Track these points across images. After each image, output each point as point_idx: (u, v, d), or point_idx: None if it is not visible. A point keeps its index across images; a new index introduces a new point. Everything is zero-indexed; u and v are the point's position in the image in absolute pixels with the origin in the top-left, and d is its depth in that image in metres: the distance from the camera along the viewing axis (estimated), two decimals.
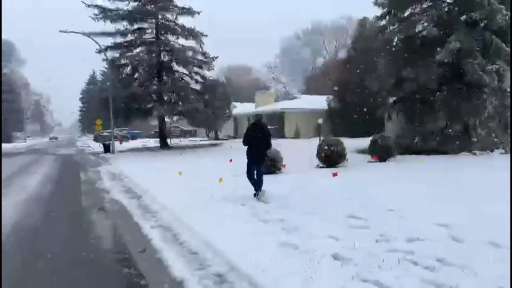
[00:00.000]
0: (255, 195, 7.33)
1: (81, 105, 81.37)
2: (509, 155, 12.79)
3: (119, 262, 4.48)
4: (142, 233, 5.60)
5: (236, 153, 16.06)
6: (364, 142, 19.80)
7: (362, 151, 16.56)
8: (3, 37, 55.46)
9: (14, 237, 5.70)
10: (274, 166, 11.08)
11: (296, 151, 16.44)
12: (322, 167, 12.35)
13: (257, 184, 7.48)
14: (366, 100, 29.33)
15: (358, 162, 13.04)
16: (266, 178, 7.86)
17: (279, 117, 34.18)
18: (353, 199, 6.75)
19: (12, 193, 9.48)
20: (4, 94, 52.01)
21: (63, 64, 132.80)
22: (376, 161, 13.32)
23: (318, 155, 12.45)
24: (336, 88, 32.77)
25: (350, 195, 7.13)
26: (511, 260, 3.56)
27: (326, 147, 12.09)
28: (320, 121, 24.87)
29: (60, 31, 22.20)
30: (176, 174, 11.29)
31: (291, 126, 32.75)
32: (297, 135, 31.63)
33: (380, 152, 13.35)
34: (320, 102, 34.23)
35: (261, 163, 7.76)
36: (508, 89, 14.84)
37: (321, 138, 23.83)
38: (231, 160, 13.30)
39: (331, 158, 12.13)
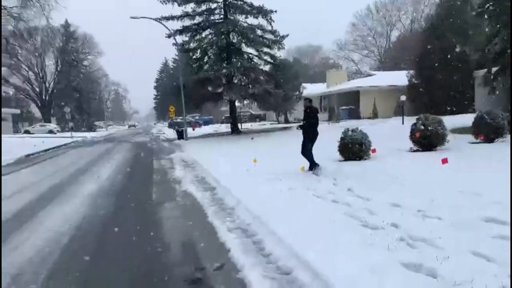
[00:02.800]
0: (311, 169, 8.14)
1: (156, 93, 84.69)
2: None
3: (190, 285, 3.53)
4: (218, 239, 4.64)
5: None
6: (456, 119, 17.38)
7: (458, 131, 14.34)
8: (83, 30, 59.13)
9: (73, 239, 5.07)
10: (361, 150, 9.65)
11: (381, 133, 14.72)
12: (417, 150, 10.62)
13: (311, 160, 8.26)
14: (452, 73, 26.22)
15: (459, 143, 11.04)
16: (353, 165, 6.73)
17: (353, 96, 31.96)
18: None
19: (83, 185, 9.18)
20: (86, 85, 55.43)
21: (139, 54, 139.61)
22: (481, 142, 11.22)
23: (412, 136, 10.71)
24: (417, 62, 29.65)
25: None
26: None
27: (422, 127, 10.30)
28: (403, 98, 22.48)
29: (131, 17, 22.30)
30: (250, 161, 10.33)
31: (367, 105, 30.37)
32: (374, 115, 29.28)
33: (487, 131, 11.19)
34: (398, 78, 31.33)
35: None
36: None
37: (404, 116, 21.86)
38: None
39: (428, 139, 10.34)
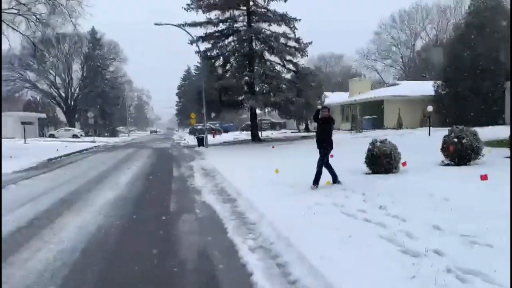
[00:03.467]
0: (335, 181, 7.98)
1: (177, 99, 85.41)
2: None
3: None
4: (239, 260, 4.24)
5: (335, 147, 14.29)
6: (487, 131, 16.53)
7: (491, 143, 13.56)
8: (109, 37, 60.23)
9: (85, 252, 4.77)
10: (389, 163, 9.11)
11: (408, 144, 14.07)
12: (449, 164, 9.99)
13: (332, 173, 8.04)
14: (481, 83, 25.24)
15: (494, 158, 10.34)
16: (382, 179, 6.56)
17: (377, 106, 31.19)
18: None
19: (100, 192, 8.95)
20: (110, 91, 56.31)
21: (162, 61, 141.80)
22: None
23: (444, 149, 10.09)
24: (444, 72, 28.71)
25: None
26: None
27: (455, 139, 9.68)
28: (430, 108, 21.68)
29: (155, 24, 22.41)
30: (271, 171, 9.94)
31: (391, 115, 29.55)
32: (399, 126, 28.43)
33: None
34: (424, 88, 30.48)
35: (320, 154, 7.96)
36: None
37: (430, 127, 21.06)
38: (332, 156, 11.55)
39: (461, 153, 9.71)
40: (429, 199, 6.02)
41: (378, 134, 22.15)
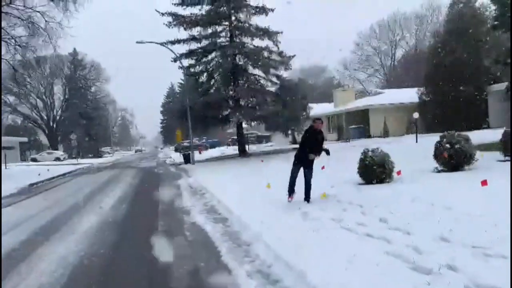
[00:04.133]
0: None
1: (162, 117, 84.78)
2: None
3: None
4: (236, 284, 3.87)
5: (324, 159, 14.05)
6: (475, 136, 16.54)
7: (481, 147, 13.52)
8: (91, 57, 59.60)
9: (65, 281, 4.34)
10: (383, 173, 8.88)
11: (397, 152, 13.92)
12: (443, 170, 9.82)
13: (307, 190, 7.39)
14: (464, 88, 25.55)
15: (487, 162, 10.22)
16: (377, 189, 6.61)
17: (362, 115, 31.31)
18: None
19: (84, 218, 8.45)
20: (93, 111, 55.48)
21: (145, 79, 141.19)
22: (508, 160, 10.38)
23: (437, 156, 9.92)
24: (427, 78, 29.04)
25: None
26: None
27: (448, 145, 9.53)
28: (415, 115, 21.78)
29: (137, 42, 22.15)
30: (262, 186, 9.62)
31: (377, 124, 29.65)
32: (385, 134, 28.51)
33: None
34: (407, 95, 30.75)
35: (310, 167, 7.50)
36: None
37: (417, 134, 21.10)
38: (323, 167, 11.29)
39: (455, 158, 9.55)
40: (430, 208, 5.77)
41: (366, 143, 22.07)
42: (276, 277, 3.96)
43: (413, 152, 15.17)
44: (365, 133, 30.40)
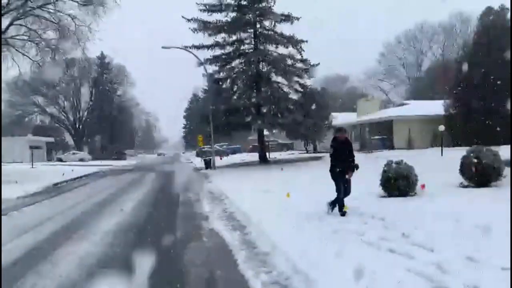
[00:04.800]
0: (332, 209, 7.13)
1: (185, 122, 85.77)
2: None
3: None
4: None
5: None
6: (503, 151, 16.02)
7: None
8: (117, 61, 61.00)
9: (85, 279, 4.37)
10: (407, 186, 8.66)
11: (421, 165, 13.60)
12: (468, 186, 9.51)
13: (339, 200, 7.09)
14: (493, 102, 24.78)
15: None
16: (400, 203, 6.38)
17: (387, 126, 30.79)
18: None
19: (103, 220, 8.56)
20: (118, 114, 56.60)
21: (170, 84, 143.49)
22: None
23: (463, 170, 9.63)
24: (454, 91, 28.33)
25: None
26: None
27: (475, 160, 9.23)
28: (442, 128, 21.26)
29: (163, 47, 22.60)
30: (282, 195, 9.52)
31: (401, 135, 29.09)
32: (410, 146, 27.92)
33: None
34: (433, 107, 30.02)
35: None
36: None
37: (442, 147, 20.59)
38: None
39: (482, 174, 9.24)
40: (456, 225, 5.56)
41: (389, 155, 21.67)
42: None
43: (438, 166, 14.78)
44: (388, 145, 29.87)
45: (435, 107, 29.63)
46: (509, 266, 3.78)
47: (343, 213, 6.89)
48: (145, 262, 5.35)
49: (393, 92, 63.88)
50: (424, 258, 4.20)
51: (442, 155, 19.40)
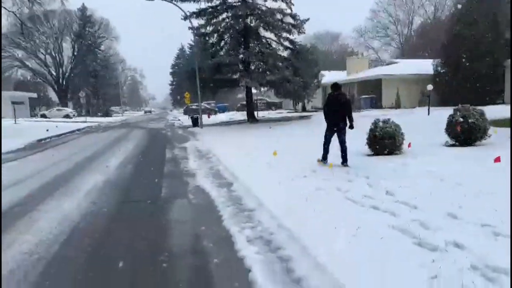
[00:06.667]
0: (324, 159, 7.91)
1: (172, 79, 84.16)
2: None
3: None
4: (235, 253, 3.82)
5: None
6: (490, 111, 16.15)
7: (495, 123, 13.18)
8: (100, 14, 58.57)
9: (69, 241, 4.33)
10: (392, 145, 8.70)
11: (408, 124, 13.66)
12: (454, 145, 9.60)
13: (343, 153, 7.68)
14: (481, 62, 24.67)
15: (500, 138, 9.95)
16: (385, 161, 6.83)
17: (375, 85, 30.65)
18: None
19: (89, 176, 8.47)
20: (103, 70, 55.10)
21: (156, 39, 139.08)
22: None
23: (449, 129, 9.68)
24: (443, 50, 28.09)
25: None
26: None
27: (461, 119, 9.25)
28: (430, 87, 21.19)
29: None
30: (269, 153, 9.52)
31: (390, 94, 29.06)
32: (397, 105, 28.00)
33: None
34: (422, 67, 29.87)
35: (341, 131, 7.76)
36: None
37: (430, 107, 20.65)
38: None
39: (467, 133, 9.30)
40: (440, 183, 5.62)
41: (377, 114, 21.69)
42: (277, 245, 3.89)
43: (424, 125, 14.89)
44: (376, 104, 29.89)
45: (424, 66, 29.46)
46: (489, 222, 3.84)
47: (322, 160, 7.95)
48: (129, 219, 5.34)
49: (384, 50, 63.24)
50: (407, 216, 4.24)
51: (429, 114, 19.49)
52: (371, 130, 8.96)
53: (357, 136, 9.88)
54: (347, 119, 7.64)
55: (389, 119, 9.05)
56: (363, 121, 17.59)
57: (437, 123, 13.98)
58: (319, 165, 7.79)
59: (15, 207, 5.98)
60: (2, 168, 9.91)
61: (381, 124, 8.87)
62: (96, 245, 4.31)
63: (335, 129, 7.78)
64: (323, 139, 8.00)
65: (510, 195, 4.38)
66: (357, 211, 4.55)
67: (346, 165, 7.52)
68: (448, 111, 10.58)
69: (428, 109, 20.33)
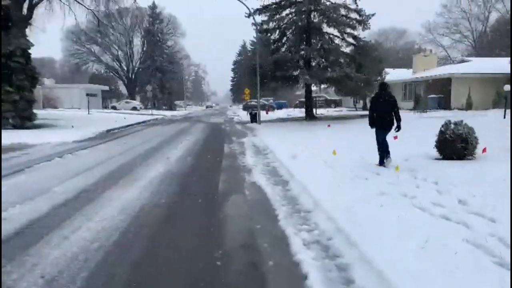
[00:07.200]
0: (381, 163, 7.59)
1: (233, 75, 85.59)
2: None
3: None
4: (291, 257, 3.66)
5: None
6: None
7: None
8: (169, 10, 60.95)
9: (125, 232, 4.44)
10: (465, 148, 8.01)
11: (481, 127, 12.59)
12: None
13: (385, 152, 7.63)
14: None
15: None
16: (456, 166, 6.60)
17: (443, 84, 28.76)
18: None
19: (150, 166, 8.75)
20: (169, 65, 57.37)
21: (219, 36, 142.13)
22: None
23: None
24: None
25: None
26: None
27: None
28: (507, 88, 19.44)
29: None
30: (328, 152, 9.22)
31: (460, 95, 27.10)
32: (468, 106, 26.05)
33: None
34: (498, 66, 27.51)
35: (386, 132, 7.72)
36: None
37: (506, 109, 18.94)
38: (396, 137, 10.51)
39: None
40: None
41: (445, 115, 20.34)
42: (335, 251, 3.67)
43: (500, 129, 13.65)
44: (445, 104, 28.06)
45: (501, 65, 27.11)
46: None
47: (380, 164, 7.67)
48: (186, 213, 5.38)
49: (454, 48, 59.15)
50: (483, 229, 3.81)
51: (505, 117, 17.90)
52: (441, 132, 8.32)
53: (423, 139, 9.28)
54: (395, 119, 7.59)
55: (461, 121, 8.35)
56: (429, 122, 16.60)
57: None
58: (380, 167, 7.39)
59: (82, 192, 6.29)
60: (74, 155, 10.59)
61: (452, 126, 8.20)
62: (153, 236, 4.37)
63: (386, 129, 7.70)
64: (376, 144, 7.86)
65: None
66: (425, 220, 4.18)
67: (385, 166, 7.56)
68: None
69: (505, 112, 18.69)
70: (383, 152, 7.69)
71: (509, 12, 30.45)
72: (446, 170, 6.78)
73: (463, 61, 35.43)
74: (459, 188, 5.39)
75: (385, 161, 7.61)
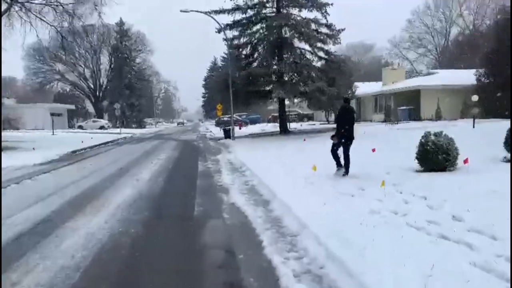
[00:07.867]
0: (343, 174, 7.94)
1: (204, 91, 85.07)
2: None
3: None
4: None
5: (373, 140, 13.00)
6: None
7: None
8: (137, 27, 60.10)
9: (88, 271, 3.85)
10: (447, 160, 7.85)
11: (455, 137, 12.66)
12: None
13: (346, 164, 8.05)
14: None
15: None
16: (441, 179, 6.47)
17: (413, 96, 29.36)
18: None
19: (118, 191, 8.10)
20: (138, 82, 56.28)
21: (188, 52, 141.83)
22: None
23: (508, 143, 8.69)
24: (487, 60, 26.56)
25: None
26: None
27: None
28: (475, 98, 19.89)
29: (181, 10, 21.60)
30: (306, 166, 8.85)
31: (429, 106, 27.68)
32: (437, 117, 26.61)
33: None
34: (463, 77, 28.38)
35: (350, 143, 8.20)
36: None
37: (474, 119, 19.36)
38: (374, 150, 10.32)
39: None
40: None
41: (415, 126, 20.57)
42: (330, 283, 3.25)
43: (471, 138, 13.75)
44: (415, 116, 28.58)
45: (466, 76, 27.97)
46: None
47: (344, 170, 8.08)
48: (157, 244, 4.83)
49: (419, 62, 61.20)
50: (487, 249, 3.49)
51: (474, 127, 18.25)
52: (421, 143, 8.14)
53: (398, 150, 9.10)
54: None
55: (441, 132, 8.22)
56: (401, 134, 16.65)
57: (485, 136, 12.90)
58: (366, 182, 7.08)
59: (39, 224, 5.62)
60: (33, 180, 9.77)
61: (432, 137, 8.04)
62: (123, 267, 3.80)
63: (344, 140, 8.11)
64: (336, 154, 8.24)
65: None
66: (423, 241, 3.82)
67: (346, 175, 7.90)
68: (494, 123, 9.64)
69: (473, 121, 19.07)
70: (339, 159, 8.15)
71: (498, 16, 31.65)
72: (432, 184, 6.53)
73: (429, 73, 36.47)
74: (450, 203, 5.11)
75: (337, 170, 8.04)
